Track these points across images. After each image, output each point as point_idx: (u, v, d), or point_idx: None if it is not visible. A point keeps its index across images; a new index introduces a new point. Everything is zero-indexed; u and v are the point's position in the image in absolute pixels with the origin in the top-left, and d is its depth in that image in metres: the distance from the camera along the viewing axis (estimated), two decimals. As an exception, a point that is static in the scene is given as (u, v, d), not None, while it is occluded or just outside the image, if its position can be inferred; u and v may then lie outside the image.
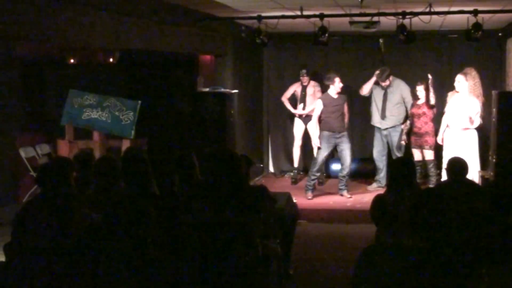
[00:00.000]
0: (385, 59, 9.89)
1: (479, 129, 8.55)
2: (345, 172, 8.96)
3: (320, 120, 9.23)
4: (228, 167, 4.96)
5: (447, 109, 8.59)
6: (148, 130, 8.02)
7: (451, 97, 8.62)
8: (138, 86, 9.19)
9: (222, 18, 8.52)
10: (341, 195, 9.02)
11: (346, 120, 9.09)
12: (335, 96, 8.91)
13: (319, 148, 9.01)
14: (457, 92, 8.46)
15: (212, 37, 8.81)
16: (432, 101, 8.83)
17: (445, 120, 8.60)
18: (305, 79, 9.93)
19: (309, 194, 8.98)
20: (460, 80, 8.42)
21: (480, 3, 7.44)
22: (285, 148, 11.03)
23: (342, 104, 8.95)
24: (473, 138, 8.38)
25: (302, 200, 8.59)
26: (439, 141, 8.69)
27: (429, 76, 8.81)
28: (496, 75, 10.31)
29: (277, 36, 9.94)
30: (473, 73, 8.52)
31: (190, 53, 8.65)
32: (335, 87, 8.87)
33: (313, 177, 9.01)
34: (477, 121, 8.38)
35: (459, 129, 8.36)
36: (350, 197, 8.95)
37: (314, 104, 9.33)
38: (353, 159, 9.39)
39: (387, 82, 9.29)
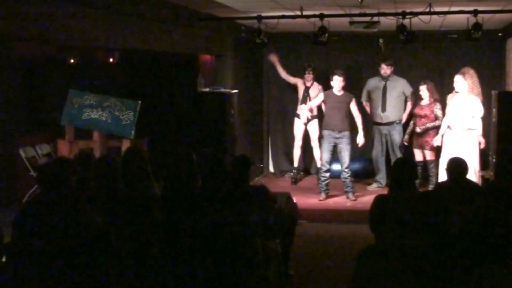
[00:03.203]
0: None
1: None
2: (346, 174, 8.82)
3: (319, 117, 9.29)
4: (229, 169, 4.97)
5: (447, 110, 8.53)
6: (148, 130, 8.02)
7: (451, 99, 8.57)
8: (138, 86, 9.19)
9: (222, 18, 8.52)
10: (347, 197, 8.92)
11: (358, 121, 8.94)
12: (338, 93, 8.85)
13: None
14: (457, 92, 8.43)
15: (212, 37, 8.81)
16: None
17: (445, 121, 8.55)
18: (309, 77, 9.82)
19: (322, 196, 8.94)
20: (458, 80, 8.37)
21: (480, 3, 7.44)
22: (285, 148, 11.03)
23: (344, 103, 8.79)
24: (474, 140, 8.28)
25: (302, 200, 8.58)
26: (437, 142, 8.64)
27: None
28: (496, 75, 10.30)
29: (277, 36, 9.95)
30: (470, 71, 8.48)
31: (190, 53, 8.65)
32: (333, 83, 8.79)
33: (322, 178, 8.91)
34: (479, 121, 8.34)
35: (460, 130, 8.31)
36: (354, 200, 8.85)
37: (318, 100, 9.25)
38: (353, 159, 9.37)
39: (390, 69, 9.29)
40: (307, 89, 9.86)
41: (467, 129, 8.29)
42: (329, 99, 8.86)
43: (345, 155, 8.75)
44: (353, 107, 8.90)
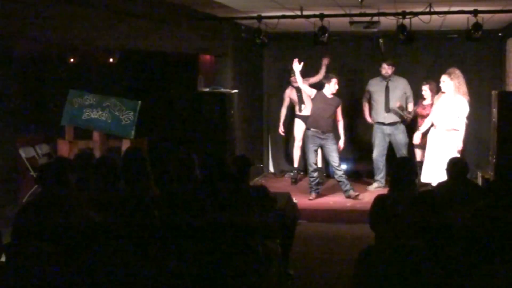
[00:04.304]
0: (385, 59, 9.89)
1: (468, 130, 8.45)
2: (339, 173, 8.84)
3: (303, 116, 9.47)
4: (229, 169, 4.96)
5: (433, 109, 8.50)
6: (148, 130, 8.01)
7: (437, 99, 8.54)
8: (138, 86, 9.18)
9: (222, 18, 8.53)
10: (349, 196, 8.88)
11: (341, 126, 9.00)
12: (329, 96, 8.84)
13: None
14: (443, 93, 8.39)
15: (212, 37, 8.81)
16: (410, 108, 9.23)
17: (429, 120, 8.51)
18: (294, 78, 9.81)
19: (312, 195, 8.95)
20: (445, 80, 8.31)
21: (480, 3, 7.44)
22: (285, 148, 11.03)
23: (333, 106, 8.80)
24: (458, 140, 8.18)
25: (302, 200, 8.59)
26: (417, 140, 8.65)
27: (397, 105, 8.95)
28: (496, 75, 10.30)
29: (277, 36, 9.95)
30: (456, 72, 8.43)
31: (190, 53, 8.65)
32: (330, 87, 8.77)
33: (311, 179, 8.95)
34: (464, 121, 8.26)
35: (444, 129, 8.26)
36: (357, 194, 8.82)
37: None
38: (353, 159, 9.36)
39: (391, 69, 9.30)
40: (298, 89, 9.83)
41: (452, 129, 8.23)
42: (319, 99, 8.87)
43: (334, 155, 8.78)
44: (339, 111, 8.96)
